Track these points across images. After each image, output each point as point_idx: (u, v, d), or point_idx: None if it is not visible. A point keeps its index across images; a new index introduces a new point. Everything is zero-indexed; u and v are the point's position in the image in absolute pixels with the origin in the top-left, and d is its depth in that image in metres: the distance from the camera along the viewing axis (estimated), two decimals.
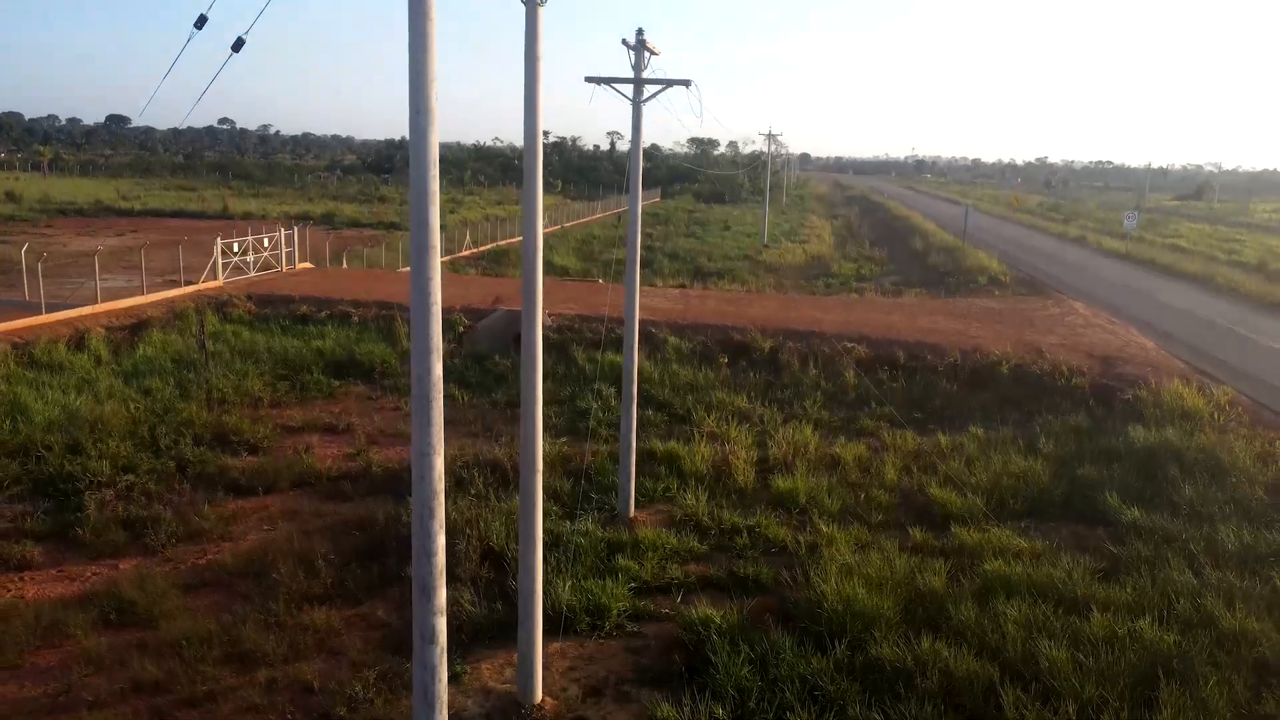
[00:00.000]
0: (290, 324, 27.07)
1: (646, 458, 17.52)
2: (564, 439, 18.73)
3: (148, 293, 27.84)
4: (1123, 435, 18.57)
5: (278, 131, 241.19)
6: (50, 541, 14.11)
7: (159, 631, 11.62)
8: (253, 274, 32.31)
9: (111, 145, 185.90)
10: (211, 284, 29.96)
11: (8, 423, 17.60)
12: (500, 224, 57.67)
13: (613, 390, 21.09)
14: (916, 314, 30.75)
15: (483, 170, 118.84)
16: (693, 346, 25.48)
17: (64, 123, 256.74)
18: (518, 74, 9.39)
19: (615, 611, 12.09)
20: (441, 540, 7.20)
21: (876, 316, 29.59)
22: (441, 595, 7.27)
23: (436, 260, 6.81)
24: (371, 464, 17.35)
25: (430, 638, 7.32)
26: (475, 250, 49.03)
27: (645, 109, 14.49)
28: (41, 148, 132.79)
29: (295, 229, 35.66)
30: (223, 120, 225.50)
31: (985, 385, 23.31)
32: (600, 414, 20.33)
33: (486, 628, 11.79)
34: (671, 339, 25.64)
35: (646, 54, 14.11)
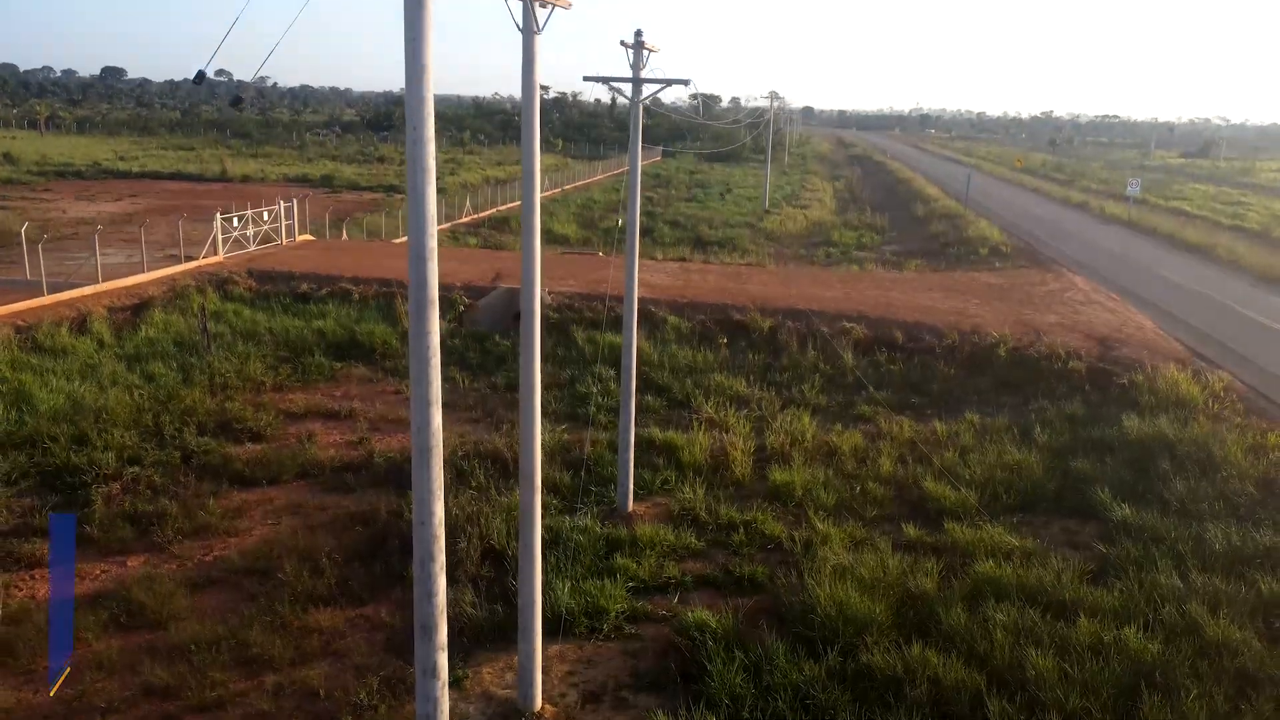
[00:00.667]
0: (291, 302, 27.16)
1: (645, 447, 17.71)
2: (564, 426, 18.92)
3: (148, 269, 27.87)
4: (1117, 425, 18.75)
5: (275, 84, 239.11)
6: None
7: (168, 634, 11.91)
8: (252, 248, 32.29)
9: (108, 99, 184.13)
10: (212, 259, 29.98)
11: (14, 413, 17.78)
12: (500, 187, 57.45)
13: (612, 374, 21.23)
14: (916, 290, 30.79)
15: (482, 128, 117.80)
16: (692, 326, 25.57)
17: (59, 74, 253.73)
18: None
19: (613, 613, 12.34)
20: (442, 581, 7.41)
21: (876, 293, 29.63)
22: (442, 633, 7.50)
23: (434, 314, 6.92)
24: (373, 453, 17.59)
25: (432, 672, 7.56)
26: (475, 216, 48.86)
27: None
28: (37, 103, 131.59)
29: (295, 201, 35.52)
30: (219, 72, 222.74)
31: (983, 368, 23.46)
32: (600, 399, 20.50)
33: (488, 630, 12.04)
34: (671, 318, 25.72)
35: (645, 52, 14.13)
